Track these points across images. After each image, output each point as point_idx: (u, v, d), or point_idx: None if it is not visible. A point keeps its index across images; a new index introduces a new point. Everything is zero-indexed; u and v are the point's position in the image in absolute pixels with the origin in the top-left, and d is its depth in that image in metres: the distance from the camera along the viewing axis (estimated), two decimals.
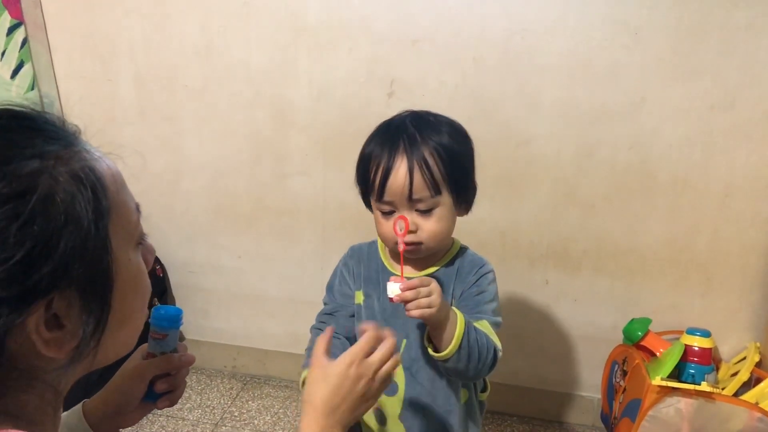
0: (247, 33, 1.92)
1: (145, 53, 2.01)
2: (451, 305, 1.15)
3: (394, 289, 0.99)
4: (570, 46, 1.75)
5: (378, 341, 0.91)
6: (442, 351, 1.03)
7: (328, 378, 0.87)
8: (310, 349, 1.17)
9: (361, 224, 2.00)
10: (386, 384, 0.91)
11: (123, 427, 0.91)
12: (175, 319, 0.91)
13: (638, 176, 1.82)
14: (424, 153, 1.06)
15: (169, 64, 2.01)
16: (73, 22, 2.02)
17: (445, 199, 1.09)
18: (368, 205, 1.19)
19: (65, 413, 0.88)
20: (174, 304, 2.30)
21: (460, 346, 1.02)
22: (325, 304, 1.26)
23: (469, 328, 1.04)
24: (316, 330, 1.22)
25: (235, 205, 2.13)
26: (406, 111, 1.16)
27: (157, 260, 2.20)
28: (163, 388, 0.90)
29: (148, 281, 0.69)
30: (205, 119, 2.05)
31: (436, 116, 1.14)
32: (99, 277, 0.59)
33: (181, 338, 2.31)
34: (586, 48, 1.74)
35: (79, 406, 0.88)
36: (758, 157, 1.74)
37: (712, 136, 1.75)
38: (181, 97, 2.04)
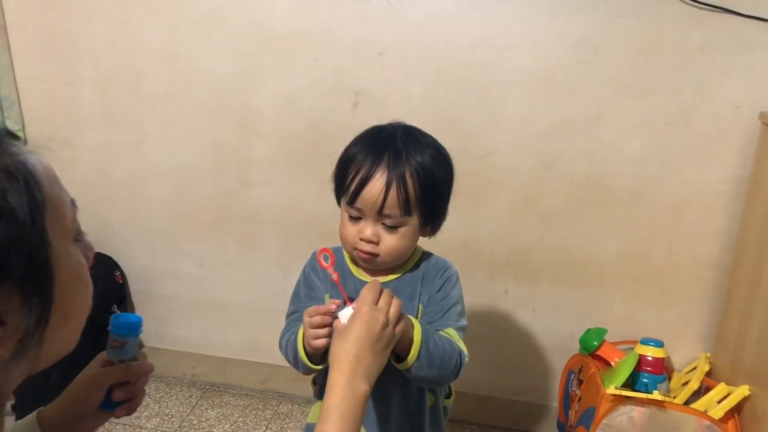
0: (212, 40, 1.92)
1: (109, 58, 2.00)
2: (418, 310, 1.18)
3: (347, 315, 0.99)
4: (531, 61, 1.79)
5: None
6: (403, 360, 1.05)
7: (346, 332, 0.94)
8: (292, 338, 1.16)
9: (324, 233, 2.00)
10: (399, 327, 0.99)
11: None
12: (135, 327, 0.91)
13: (596, 189, 1.86)
14: (405, 171, 1.07)
15: (133, 70, 2.00)
16: (35, 24, 2.00)
17: (413, 220, 1.11)
18: (339, 201, 1.20)
19: (20, 421, 0.87)
20: (134, 311, 2.28)
21: (419, 355, 1.04)
22: (290, 314, 1.24)
23: (427, 336, 1.06)
24: (289, 332, 1.18)
25: (197, 212, 2.12)
26: (397, 123, 1.17)
27: (117, 266, 2.18)
28: (120, 397, 0.90)
29: (89, 277, 0.68)
30: (168, 125, 2.04)
31: (423, 136, 1.16)
32: (38, 270, 0.58)
33: (141, 346, 2.28)
34: (546, 64, 1.79)
35: (33, 414, 0.87)
36: (711, 173, 1.80)
37: (667, 152, 1.80)
38: (145, 103, 2.02)
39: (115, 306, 2.13)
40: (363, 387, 0.90)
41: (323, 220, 1.99)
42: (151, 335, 2.29)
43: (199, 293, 2.23)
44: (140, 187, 2.12)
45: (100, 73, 2.02)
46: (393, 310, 0.98)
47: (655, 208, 1.85)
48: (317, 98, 1.92)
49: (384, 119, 1.20)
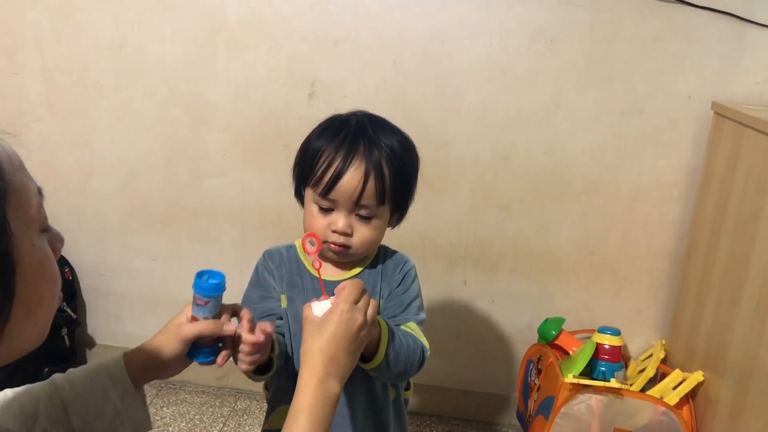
0: (163, 28, 1.87)
1: (54, 47, 1.93)
2: (379, 305, 1.15)
3: (323, 308, 0.95)
4: (488, 52, 1.78)
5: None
6: (369, 361, 1.03)
7: (322, 328, 0.91)
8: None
9: (280, 226, 1.98)
10: (373, 328, 0.97)
11: (161, 378, 0.99)
12: (217, 288, 0.95)
13: (552, 179, 1.87)
14: (381, 160, 1.05)
15: (80, 59, 1.93)
16: None
17: (385, 211, 1.10)
18: (298, 195, 1.16)
19: (105, 359, 0.94)
20: (84, 309, 2.21)
21: (387, 354, 1.02)
22: None
23: (393, 335, 1.04)
24: None
25: (149, 205, 2.06)
26: (359, 111, 1.14)
27: (66, 263, 2.11)
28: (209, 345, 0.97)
29: (56, 268, 0.65)
30: (118, 116, 1.98)
31: (387, 123, 1.14)
32: None
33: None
34: (503, 54, 1.78)
35: (120, 357, 0.93)
36: (665, 162, 1.82)
37: (623, 142, 1.82)
38: (93, 93, 1.96)
39: (64, 303, 2.06)
40: (335, 388, 0.88)
41: (279, 212, 1.96)
42: (102, 332, 2.24)
43: (152, 289, 2.17)
44: (88, 180, 2.06)
45: (46, 63, 1.95)
46: (371, 311, 0.96)
47: (610, 198, 1.87)
48: (272, 88, 1.88)
49: (340, 109, 1.17)
